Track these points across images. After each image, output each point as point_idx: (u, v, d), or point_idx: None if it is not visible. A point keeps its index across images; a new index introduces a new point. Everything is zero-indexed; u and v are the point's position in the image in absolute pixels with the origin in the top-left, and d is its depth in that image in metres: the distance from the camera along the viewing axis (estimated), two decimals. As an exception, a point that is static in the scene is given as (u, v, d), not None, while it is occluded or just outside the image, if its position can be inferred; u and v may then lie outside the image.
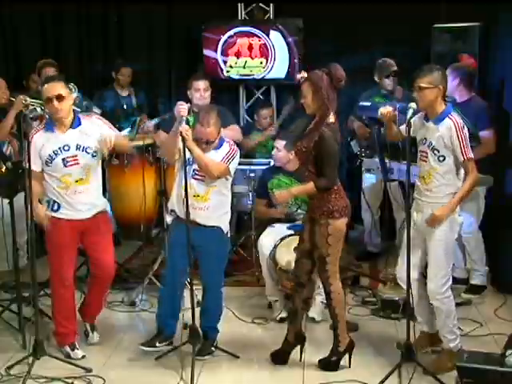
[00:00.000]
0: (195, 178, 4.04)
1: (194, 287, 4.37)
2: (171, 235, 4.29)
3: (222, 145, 4.09)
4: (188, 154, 3.96)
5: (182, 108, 3.95)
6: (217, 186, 4.06)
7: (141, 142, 5.21)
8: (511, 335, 3.90)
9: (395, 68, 5.50)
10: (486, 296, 4.99)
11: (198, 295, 4.67)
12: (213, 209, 4.07)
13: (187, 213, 3.86)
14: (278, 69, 6.47)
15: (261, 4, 6.64)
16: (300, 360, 4.04)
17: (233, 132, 5.20)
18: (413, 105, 3.67)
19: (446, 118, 3.73)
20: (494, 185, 4.81)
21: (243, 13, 6.67)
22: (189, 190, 3.94)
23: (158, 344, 4.15)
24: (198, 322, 4.05)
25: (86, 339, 4.31)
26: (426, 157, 3.77)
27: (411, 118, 3.64)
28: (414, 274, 3.89)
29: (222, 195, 4.11)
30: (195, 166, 4.02)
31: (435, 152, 3.74)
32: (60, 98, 3.90)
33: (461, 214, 3.89)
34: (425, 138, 3.78)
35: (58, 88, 3.92)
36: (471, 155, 3.72)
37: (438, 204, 3.77)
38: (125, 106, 6.21)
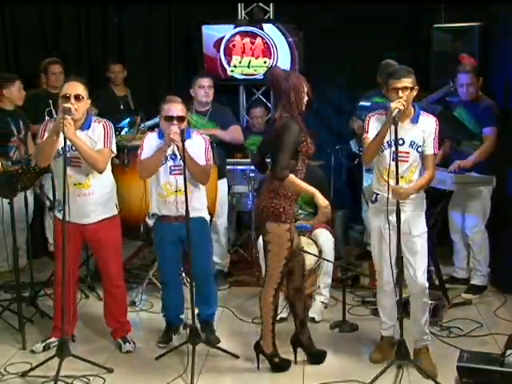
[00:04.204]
0: (174, 174, 4.08)
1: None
2: (158, 237, 4.29)
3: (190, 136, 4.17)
4: (168, 152, 4.02)
5: (174, 133, 3.90)
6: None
7: (141, 142, 5.20)
8: (511, 335, 3.90)
9: None
10: (486, 296, 4.99)
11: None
12: (194, 200, 4.14)
13: (187, 211, 3.88)
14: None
15: (261, 4, 6.64)
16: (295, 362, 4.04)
17: (233, 134, 5.23)
18: (398, 105, 3.66)
19: (420, 115, 3.82)
20: (496, 185, 4.82)
21: (243, 13, 6.68)
22: (169, 187, 4.06)
23: (173, 336, 4.34)
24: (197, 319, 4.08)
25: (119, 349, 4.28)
26: (408, 157, 3.81)
27: (396, 116, 3.64)
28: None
29: (197, 186, 4.20)
30: (171, 163, 4.07)
31: (418, 149, 3.81)
32: (78, 98, 3.89)
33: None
34: (401, 139, 3.77)
35: (78, 88, 3.92)
36: (437, 151, 3.87)
37: (418, 198, 3.86)
38: (122, 106, 6.21)
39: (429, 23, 5.89)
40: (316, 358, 4.08)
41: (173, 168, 4.09)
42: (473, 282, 5.02)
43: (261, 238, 4.74)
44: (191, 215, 4.02)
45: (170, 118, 4.04)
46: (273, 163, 3.79)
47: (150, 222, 4.30)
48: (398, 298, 3.82)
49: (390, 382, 3.73)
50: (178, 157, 4.06)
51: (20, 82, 5.24)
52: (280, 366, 3.97)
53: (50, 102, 5.51)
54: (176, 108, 4.09)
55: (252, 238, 5.53)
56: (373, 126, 3.85)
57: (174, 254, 4.22)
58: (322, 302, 4.70)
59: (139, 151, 4.17)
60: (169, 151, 4.04)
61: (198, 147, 4.17)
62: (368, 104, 5.21)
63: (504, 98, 5.09)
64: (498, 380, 3.61)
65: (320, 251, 4.67)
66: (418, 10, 6.10)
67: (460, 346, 4.08)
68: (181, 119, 4.06)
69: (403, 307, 4.48)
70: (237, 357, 4.13)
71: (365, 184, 5.69)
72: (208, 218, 4.34)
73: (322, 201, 3.77)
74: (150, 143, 4.14)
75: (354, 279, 5.19)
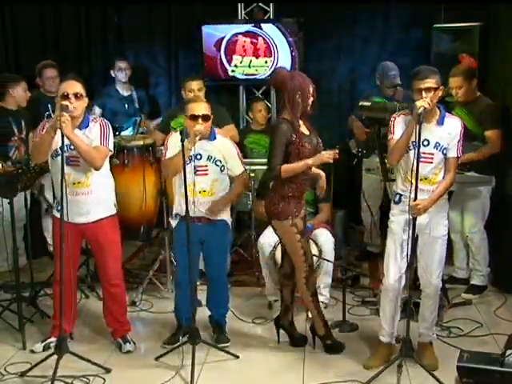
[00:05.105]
0: (198, 175, 4.08)
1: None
2: (179, 236, 4.20)
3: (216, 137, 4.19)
4: (192, 152, 4.00)
5: (196, 130, 3.95)
6: (218, 178, 4.16)
7: (141, 142, 5.21)
8: (511, 335, 3.91)
9: (399, 81, 5.52)
10: (486, 296, 4.99)
11: (198, 295, 4.68)
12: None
13: (187, 211, 3.88)
14: (281, 69, 6.46)
15: (261, 4, 6.64)
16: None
17: (227, 132, 5.22)
18: (423, 103, 3.64)
19: (445, 117, 3.81)
20: (496, 185, 4.82)
21: (243, 13, 6.67)
22: (193, 187, 4.03)
23: (180, 338, 4.25)
24: (201, 319, 4.12)
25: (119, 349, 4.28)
26: (432, 158, 3.80)
27: (421, 114, 3.62)
28: (402, 282, 3.96)
29: (224, 186, 4.22)
30: (195, 163, 4.06)
31: (444, 151, 3.80)
32: (78, 96, 3.89)
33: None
34: (426, 140, 3.77)
35: (77, 86, 3.92)
36: (460, 154, 3.86)
37: (441, 200, 3.86)
38: (126, 106, 6.20)
39: (429, 23, 5.89)
40: (297, 341, 4.27)
41: (197, 168, 4.08)
42: (473, 281, 5.02)
43: (261, 237, 4.80)
44: (217, 217, 4.13)
45: (195, 117, 4.03)
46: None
47: (173, 223, 4.26)
48: (406, 296, 3.88)
49: (391, 381, 3.73)
50: (204, 157, 4.07)
51: (25, 83, 5.24)
52: (334, 347, 4.16)
53: (49, 106, 5.49)
54: (200, 107, 4.08)
55: (252, 238, 5.52)
56: (398, 126, 3.83)
57: (193, 255, 4.11)
58: (322, 302, 4.69)
59: (163, 151, 4.17)
60: (193, 151, 4.00)
61: (228, 151, 4.19)
62: (368, 104, 5.21)
63: (503, 98, 5.09)
64: (498, 380, 3.62)
65: (320, 251, 4.67)
66: (418, 9, 6.09)
67: (460, 346, 4.09)
68: (206, 118, 4.05)
69: (404, 307, 4.51)
70: (237, 357, 4.12)
71: (365, 184, 5.70)
72: (230, 220, 4.34)
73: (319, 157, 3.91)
74: (173, 143, 4.10)
75: (354, 279, 5.19)
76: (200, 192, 4.08)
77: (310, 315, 4.61)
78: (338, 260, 4.96)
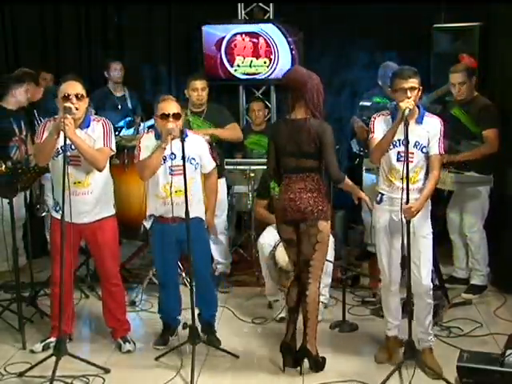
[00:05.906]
0: (174, 174, 4.03)
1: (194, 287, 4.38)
2: (157, 238, 4.23)
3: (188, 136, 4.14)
4: (167, 151, 3.98)
5: (171, 129, 3.91)
6: (194, 176, 4.15)
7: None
8: (511, 335, 3.90)
9: None
10: (486, 296, 4.98)
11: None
12: (194, 200, 4.12)
13: (187, 212, 3.86)
14: (282, 69, 6.45)
15: (261, 4, 6.64)
16: (300, 374, 3.95)
17: (231, 131, 5.23)
18: (408, 104, 3.66)
19: (425, 116, 3.83)
20: (495, 185, 4.82)
21: (243, 13, 6.68)
22: (168, 187, 3.99)
23: (170, 338, 4.30)
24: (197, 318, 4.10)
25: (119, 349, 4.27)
26: (412, 157, 3.81)
27: (407, 115, 3.64)
28: (399, 275, 3.97)
29: (197, 184, 4.19)
30: (170, 163, 4.03)
31: (423, 150, 3.82)
32: (79, 97, 3.89)
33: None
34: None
35: (78, 87, 3.92)
36: (442, 151, 3.85)
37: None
38: (119, 107, 6.20)
39: (429, 23, 5.89)
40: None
41: (172, 168, 4.06)
42: (472, 281, 5.02)
43: (261, 237, 4.78)
44: (192, 215, 4.01)
45: (165, 116, 4.01)
46: (306, 167, 3.83)
47: (147, 225, 4.23)
48: (405, 297, 3.84)
49: (392, 382, 3.73)
50: (179, 157, 4.01)
51: (27, 84, 5.25)
52: (323, 362, 3.95)
53: (35, 111, 5.45)
54: (171, 106, 4.06)
55: (252, 238, 5.52)
56: (378, 126, 3.86)
57: (171, 256, 4.20)
58: (322, 302, 4.69)
59: (136, 153, 4.12)
60: (168, 151, 4.00)
61: (201, 148, 4.19)
62: (368, 104, 5.22)
63: (503, 98, 5.09)
64: (498, 380, 3.61)
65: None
66: (418, 9, 6.10)
67: (460, 346, 4.08)
68: (176, 116, 4.02)
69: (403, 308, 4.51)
70: (237, 357, 4.12)
71: (365, 184, 5.70)
72: (204, 217, 4.31)
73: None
74: (146, 144, 4.10)
75: (354, 279, 5.19)
76: (176, 192, 4.01)
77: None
78: (337, 260, 4.96)
